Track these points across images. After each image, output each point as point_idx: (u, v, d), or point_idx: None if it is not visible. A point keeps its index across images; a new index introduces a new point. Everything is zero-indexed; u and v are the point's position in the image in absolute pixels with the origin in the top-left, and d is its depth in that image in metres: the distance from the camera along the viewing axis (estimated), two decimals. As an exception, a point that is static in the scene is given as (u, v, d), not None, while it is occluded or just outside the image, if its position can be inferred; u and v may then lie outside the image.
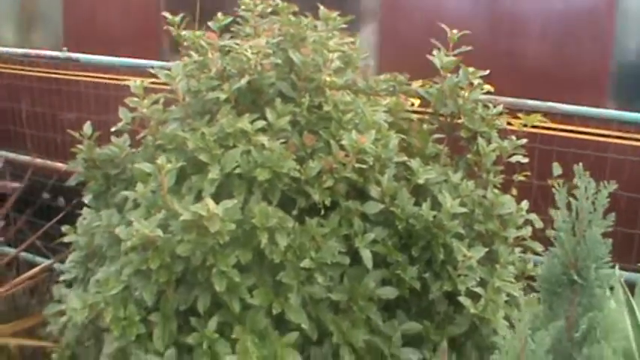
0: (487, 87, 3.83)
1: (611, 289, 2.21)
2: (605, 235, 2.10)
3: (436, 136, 3.57)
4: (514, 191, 3.61)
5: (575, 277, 2.07)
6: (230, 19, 3.56)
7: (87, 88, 5.82)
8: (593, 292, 2.09)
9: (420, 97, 3.68)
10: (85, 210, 3.53)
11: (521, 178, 3.60)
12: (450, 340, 3.15)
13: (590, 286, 2.08)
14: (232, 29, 3.56)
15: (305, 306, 2.93)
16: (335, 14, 3.60)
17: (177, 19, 3.51)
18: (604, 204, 2.05)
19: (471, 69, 3.56)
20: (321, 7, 3.63)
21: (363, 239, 2.99)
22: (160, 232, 2.79)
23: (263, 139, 2.98)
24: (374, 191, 3.06)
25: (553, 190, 2.12)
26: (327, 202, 2.98)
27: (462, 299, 3.05)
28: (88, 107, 5.63)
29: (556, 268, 2.10)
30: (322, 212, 3.01)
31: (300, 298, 2.90)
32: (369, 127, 3.06)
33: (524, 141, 3.46)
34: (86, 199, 3.55)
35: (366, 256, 2.96)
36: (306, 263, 2.88)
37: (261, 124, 3.05)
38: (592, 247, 2.04)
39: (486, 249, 3.13)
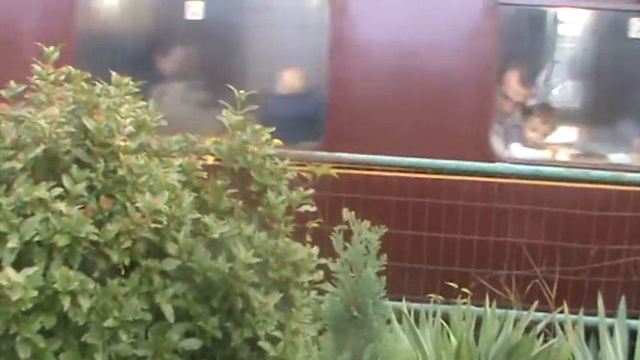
0: (276, 142, 4.10)
1: (388, 321, 2.48)
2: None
3: (231, 190, 3.76)
4: (308, 238, 3.88)
5: (356, 313, 2.32)
6: (23, 87, 3.58)
7: None
8: (372, 326, 2.34)
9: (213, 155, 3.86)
10: None
11: (315, 225, 3.87)
12: (256, 383, 3.33)
13: (370, 319, 2.34)
14: (27, 96, 3.58)
15: (112, 364, 3.01)
16: (127, 80, 3.73)
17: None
18: (376, 246, 2.32)
19: (257, 126, 3.80)
20: (114, 73, 3.74)
21: (164, 295, 3.11)
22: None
23: (61, 205, 3.03)
24: (171, 248, 3.20)
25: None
26: (127, 262, 3.08)
27: (262, 344, 3.25)
28: None
29: (338, 306, 2.34)
30: (123, 272, 3.11)
31: (107, 357, 2.98)
32: (163, 188, 3.20)
33: (311, 191, 3.74)
34: None
35: (168, 310, 3.09)
36: (109, 323, 2.96)
37: (58, 191, 3.09)
38: (368, 285, 2.30)
39: (282, 294, 3.35)
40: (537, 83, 6.37)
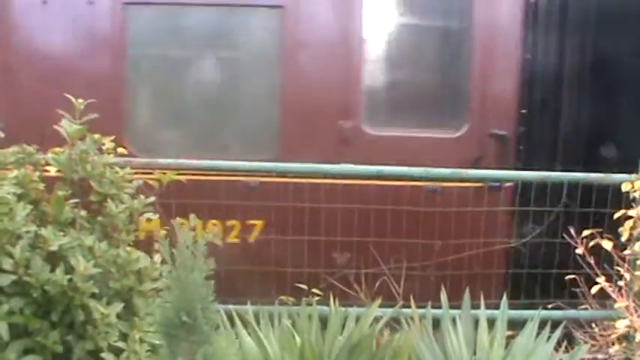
0: (120, 150, 4.06)
1: (232, 325, 2.50)
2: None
3: (73, 201, 3.69)
4: (156, 246, 3.86)
5: (185, 318, 2.34)
6: None
7: None
8: (203, 330, 2.36)
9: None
10: None
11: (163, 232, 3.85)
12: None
13: (199, 324, 2.36)
14: None
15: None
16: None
17: None
18: (203, 251, 2.34)
19: (96, 135, 3.75)
20: None
21: (-2, 312, 3.04)
22: None
23: None
24: (6, 263, 3.11)
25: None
26: (-43, 281, 2.98)
27: (104, 355, 3.21)
28: None
29: (169, 313, 2.35)
30: (-48, 291, 3.01)
31: None
32: (-5, 202, 3.12)
33: (152, 199, 3.72)
34: None
35: (2, 328, 3.01)
36: (-62, 345, 2.86)
37: None
38: (196, 290, 2.32)
39: (124, 304, 3.32)
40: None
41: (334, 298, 3.93)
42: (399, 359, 3.64)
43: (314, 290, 4.50)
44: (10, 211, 3.18)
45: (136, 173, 3.91)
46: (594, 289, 4.31)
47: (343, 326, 3.76)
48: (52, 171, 3.81)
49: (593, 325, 4.64)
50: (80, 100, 3.81)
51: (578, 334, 4.50)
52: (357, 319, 3.76)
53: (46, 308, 3.21)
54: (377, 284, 4.65)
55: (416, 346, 3.92)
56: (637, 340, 4.14)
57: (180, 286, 2.32)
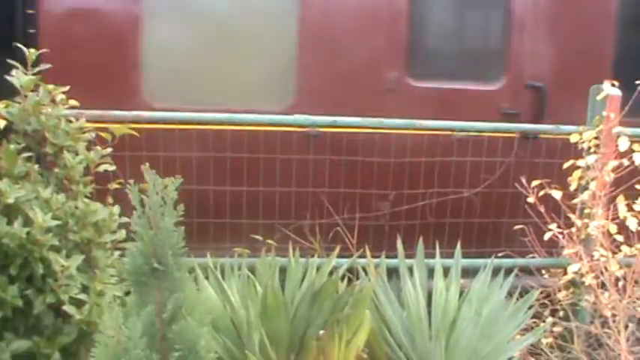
0: (72, 102, 3.97)
1: (190, 271, 2.50)
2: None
3: (26, 154, 3.61)
4: (110, 199, 3.82)
5: (156, 265, 2.33)
6: None
7: None
8: (174, 276, 2.36)
9: (5, 118, 3.70)
10: None
11: (117, 185, 3.81)
12: (63, 350, 3.25)
13: (170, 270, 2.35)
14: None
15: None
16: None
17: None
18: (173, 197, 2.33)
19: (50, 86, 3.67)
20: None
21: (-46, 268, 2.98)
22: None
23: None
24: (-39, 217, 3.05)
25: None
26: None
27: (66, 308, 3.17)
28: None
29: (139, 260, 2.34)
30: None
31: None
32: (-53, 155, 3.04)
33: (109, 150, 3.67)
34: None
35: (-41, 282, 2.96)
36: None
37: None
38: (167, 236, 2.31)
39: (84, 256, 3.28)
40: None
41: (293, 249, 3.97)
42: (360, 306, 3.70)
43: (269, 241, 4.51)
44: (-38, 164, 3.10)
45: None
46: (546, 236, 4.42)
47: (303, 277, 3.80)
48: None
49: (543, 272, 4.78)
50: (32, 50, 3.71)
51: (528, 281, 4.62)
52: (318, 268, 3.80)
53: (4, 262, 3.16)
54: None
55: (374, 295, 3.99)
56: (587, 283, 4.27)
57: (150, 232, 2.30)
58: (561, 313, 4.58)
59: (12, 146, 3.60)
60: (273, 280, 3.63)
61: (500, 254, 4.70)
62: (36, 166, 3.60)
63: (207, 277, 3.81)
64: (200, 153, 4.65)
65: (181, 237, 2.35)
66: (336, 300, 3.62)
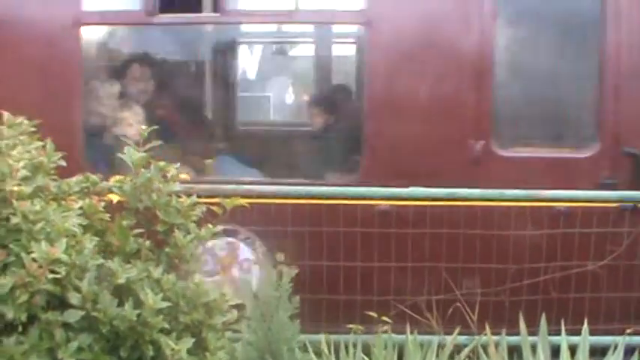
0: (183, 176, 3.93)
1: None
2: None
3: (137, 231, 3.58)
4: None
5: (270, 360, 2.19)
6: None
7: None
8: (289, 372, 2.22)
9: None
10: None
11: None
12: None
13: (285, 366, 2.21)
14: None
15: None
16: (21, 119, 3.53)
17: None
18: (288, 289, 2.20)
19: (161, 163, 3.64)
20: (5, 114, 3.54)
21: (67, 349, 2.91)
22: None
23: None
24: (74, 298, 3.00)
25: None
26: (24, 318, 2.87)
27: (176, 391, 3.07)
28: None
29: (252, 354, 2.21)
30: (20, 328, 2.90)
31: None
32: (62, 235, 3.01)
33: (220, 228, 3.59)
34: None
35: (73, 366, 2.89)
36: (8, 385, 2.75)
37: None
38: (281, 331, 2.17)
39: (194, 339, 3.18)
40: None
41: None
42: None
43: (384, 318, 4.32)
44: (76, 244, 3.06)
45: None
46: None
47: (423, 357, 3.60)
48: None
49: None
50: (143, 127, 3.71)
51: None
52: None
53: (115, 344, 3.09)
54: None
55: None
56: None
57: (265, 326, 2.17)
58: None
59: (124, 222, 3.58)
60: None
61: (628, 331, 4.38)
62: (147, 243, 3.56)
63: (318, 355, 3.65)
64: (313, 228, 4.53)
65: (297, 331, 2.21)
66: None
